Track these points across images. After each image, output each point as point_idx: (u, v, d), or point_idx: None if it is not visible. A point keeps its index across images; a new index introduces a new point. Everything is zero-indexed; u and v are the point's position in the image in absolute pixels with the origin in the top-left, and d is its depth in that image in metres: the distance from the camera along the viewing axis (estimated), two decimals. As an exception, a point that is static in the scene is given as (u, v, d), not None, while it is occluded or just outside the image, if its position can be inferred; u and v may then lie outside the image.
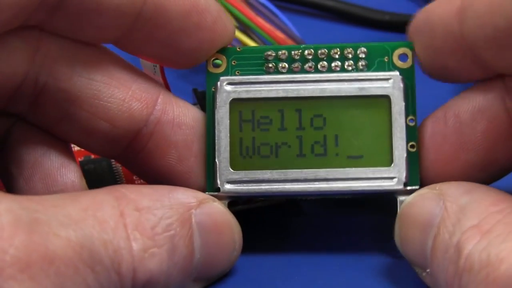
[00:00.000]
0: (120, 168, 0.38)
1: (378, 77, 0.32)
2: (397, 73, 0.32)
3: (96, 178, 0.37)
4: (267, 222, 0.36)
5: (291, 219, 0.36)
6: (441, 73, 0.32)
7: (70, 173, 0.32)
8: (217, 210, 0.31)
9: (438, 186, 0.30)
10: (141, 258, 0.27)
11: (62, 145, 0.33)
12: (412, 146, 0.32)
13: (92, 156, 0.38)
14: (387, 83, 0.32)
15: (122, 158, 0.34)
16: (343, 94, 0.32)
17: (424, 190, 0.30)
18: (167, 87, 0.35)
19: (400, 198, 0.32)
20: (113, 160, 0.38)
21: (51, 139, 0.32)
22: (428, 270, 0.29)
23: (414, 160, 0.32)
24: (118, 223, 0.27)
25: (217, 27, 0.32)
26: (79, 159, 0.38)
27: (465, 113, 0.31)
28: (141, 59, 0.38)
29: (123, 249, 0.27)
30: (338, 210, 0.36)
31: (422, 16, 0.31)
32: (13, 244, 0.24)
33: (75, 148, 0.39)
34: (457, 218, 0.28)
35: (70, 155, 0.33)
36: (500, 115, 0.31)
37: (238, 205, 0.34)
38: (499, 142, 0.31)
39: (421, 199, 0.30)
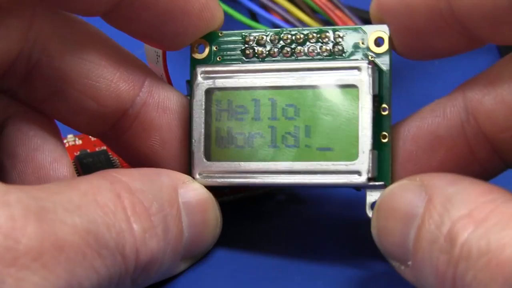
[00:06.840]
0: (118, 160, 0.38)
1: (348, 66, 0.31)
2: (366, 61, 0.31)
3: (95, 172, 0.38)
4: (259, 211, 0.36)
5: (287, 207, 0.36)
6: (421, 52, 0.31)
7: (63, 168, 0.33)
8: (199, 190, 0.32)
9: (418, 177, 0.29)
10: (142, 239, 0.28)
11: (55, 140, 0.33)
12: (384, 137, 0.31)
13: (88, 150, 0.39)
14: (356, 72, 0.31)
15: (107, 138, 0.34)
16: (314, 83, 0.31)
17: (404, 181, 0.29)
18: (168, 77, 0.35)
19: (368, 191, 0.31)
20: (110, 153, 0.38)
21: (44, 134, 0.33)
22: (409, 263, 0.28)
23: (386, 151, 0.31)
24: (117, 206, 0.28)
25: (204, 14, 0.32)
26: (76, 153, 0.39)
27: (423, 139, 0.31)
28: (145, 49, 0.39)
29: (125, 231, 0.28)
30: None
31: None
32: (25, 233, 0.24)
33: (71, 142, 0.39)
34: (444, 208, 0.27)
35: (62, 150, 0.33)
36: (459, 144, 0.30)
37: (224, 195, 0.35)
38: (457, 171, 0.30)
39: (400, 190, 0.29)
